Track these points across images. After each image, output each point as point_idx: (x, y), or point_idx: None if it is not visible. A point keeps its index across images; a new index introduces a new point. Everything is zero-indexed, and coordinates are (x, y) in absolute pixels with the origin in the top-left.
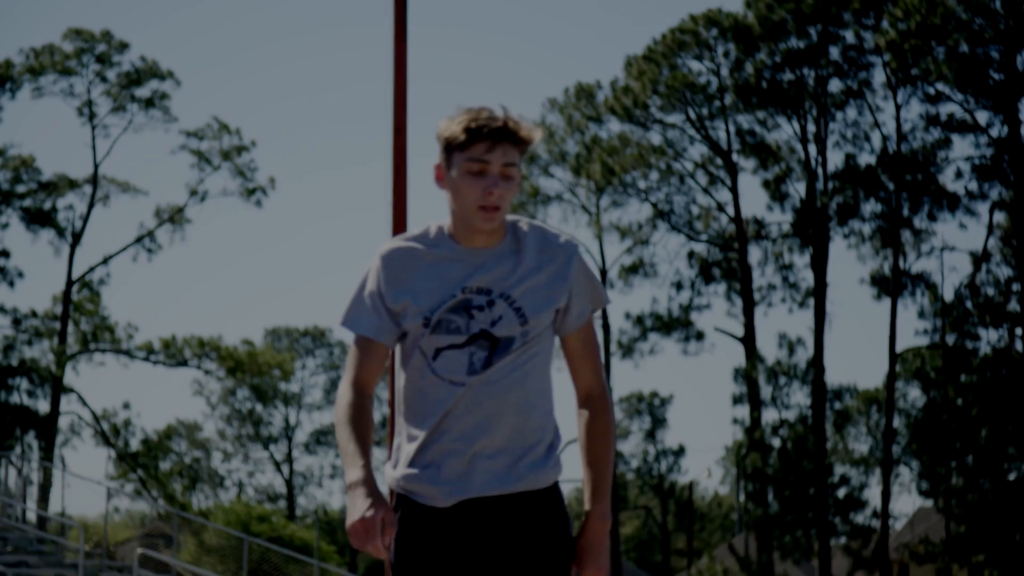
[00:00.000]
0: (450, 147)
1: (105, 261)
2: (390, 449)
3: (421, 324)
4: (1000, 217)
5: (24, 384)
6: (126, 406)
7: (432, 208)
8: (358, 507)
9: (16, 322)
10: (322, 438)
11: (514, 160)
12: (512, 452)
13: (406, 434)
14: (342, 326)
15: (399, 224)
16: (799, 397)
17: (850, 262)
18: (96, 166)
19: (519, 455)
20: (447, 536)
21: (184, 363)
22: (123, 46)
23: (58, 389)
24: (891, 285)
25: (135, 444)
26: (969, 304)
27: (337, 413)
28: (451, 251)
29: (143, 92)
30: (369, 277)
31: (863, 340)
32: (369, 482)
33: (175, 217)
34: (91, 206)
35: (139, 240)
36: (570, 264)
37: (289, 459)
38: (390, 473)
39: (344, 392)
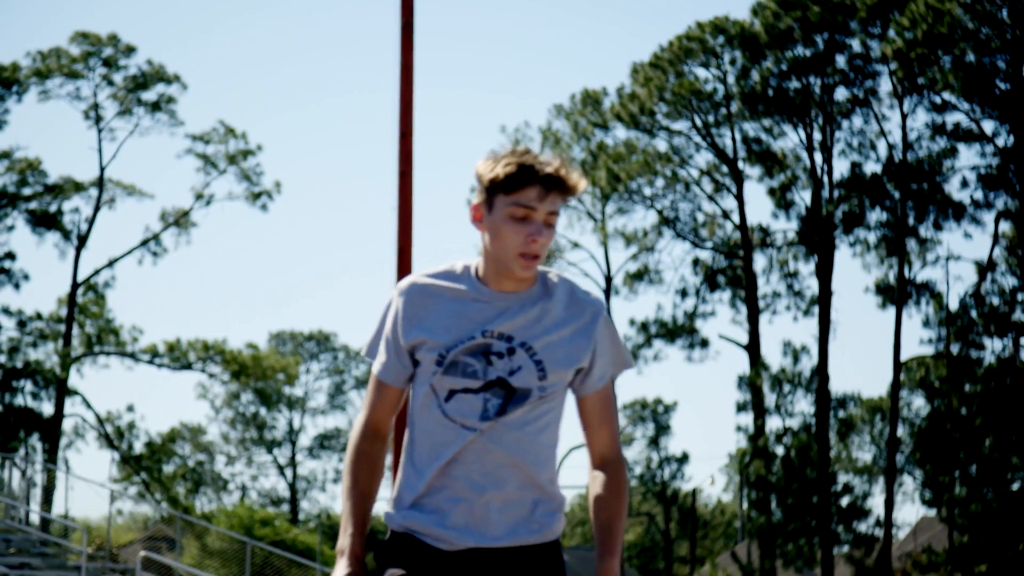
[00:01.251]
0: (494, 188)
1: (110, 264)
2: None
3: (434, 362)
4: (1006, 227)
5: (28, 386)
6: (130, 409)
7: (438, 211)
8: (335, 573)
9: (21, 324)
10: (326, 442)
11: (558, 209)
12: (524, 504)
13: (411, 472)
14: (364, 356)
15: (404, 228)
16: (803, 405)
17: (855, 271)
18: (102, 169)
19: (531, 507)
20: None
21: (188, 366)
22: (130, 50)
23: (62, 391)
24: (896, 294)
25: (139, 447)
26: (974, 313)
27: (346, 456)
28: (476, 291)
29: (149, 96)
30: (388, 314)
31: (867, 349)
32: (354, 554)
33: (180, 220)
34: (97, 209)
35: (144, 243)
36: (595, 323)
37: (292, 463)
38: (392, 515)
39: (356, 434)
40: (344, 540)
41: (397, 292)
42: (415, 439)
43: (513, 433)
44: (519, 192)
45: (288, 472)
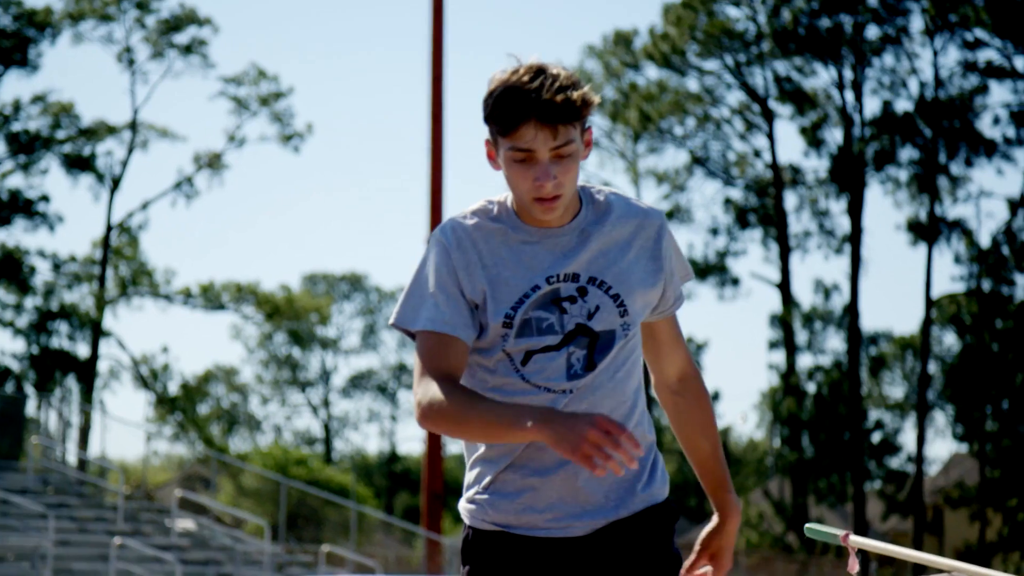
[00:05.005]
0: (492, 128)
1: (144, 206)
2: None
3: (501, 324)
4: None
5: (64, 328)
6: (165, 350)
7: (470, 152)
8: (561, 423)
9: (56, 267)
10: (358, 382)
11: (569, 138)
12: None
13: (484, 457)
14: (396, 326)
15: (436, 169)
16: (834, 343)
17: (886, 208)
18: (135, 112)
19: (629, 475)
20: (548, 571)
21: (222, 307)
22: None
23: (97, 333)
24: (927, 231)
25: (174, 388)
26: (1005, 250)
27: (438, 409)
28: (522, 232)
29: (182, 38)
30: (432, 262)
31: (898, 286)
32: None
33: (213, 163)
34: (130, 151)
35: (178, 185)
36: (661, 239)
37: (326, 403)
38: (472, 509)
39: (429, 389)
40: (519, 413)
41: (442, 235)
42: None
43: (605, 388)
44: (514, 134)
45: (321, 412)
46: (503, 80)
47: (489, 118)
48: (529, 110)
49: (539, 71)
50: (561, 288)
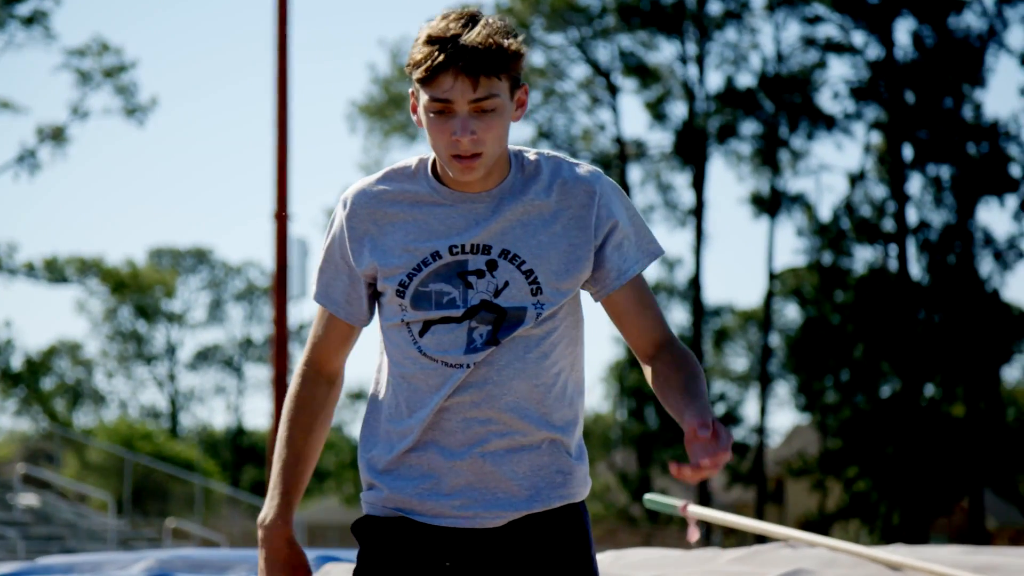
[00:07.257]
0: (413, 74)
1: None
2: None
3: (395, 292)
4: (875, 137)
5: None
6: (8, 325)
7: (316, 124)
8: (261, 565)
9: None
10: (204, 357)
11: (492, 91)
12: (539, 453)
13: (387, 430)
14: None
15: (282, 142)
16: (679, 315)
17: (729, 182)
18: None
19: (549, 457)
20: (447, 566)
21: (66, 281)
22: None
23: None
24: (769, 205)
25: (17, 363)
26: (845, 223)
27: (284, 404)
28: (434, 193)
29: (23, 9)
30: (333, 229)
31: (741, 259)
32: (276, 529)
33: (56, 135)
34: None
35: (20, 159)
36: (591, 205)
37: (171, 378)
38: (367, 496)
39: (294, 376)
40: (266, 510)
41: (340, 204)
42: (389, 387)
43: (514, 365)
44: (432, 84)
45: (167, 387)
46: (429, 26)
47: (409, 64)
48: (448, 57)
49: (467, 18)
50: (469, 260)
